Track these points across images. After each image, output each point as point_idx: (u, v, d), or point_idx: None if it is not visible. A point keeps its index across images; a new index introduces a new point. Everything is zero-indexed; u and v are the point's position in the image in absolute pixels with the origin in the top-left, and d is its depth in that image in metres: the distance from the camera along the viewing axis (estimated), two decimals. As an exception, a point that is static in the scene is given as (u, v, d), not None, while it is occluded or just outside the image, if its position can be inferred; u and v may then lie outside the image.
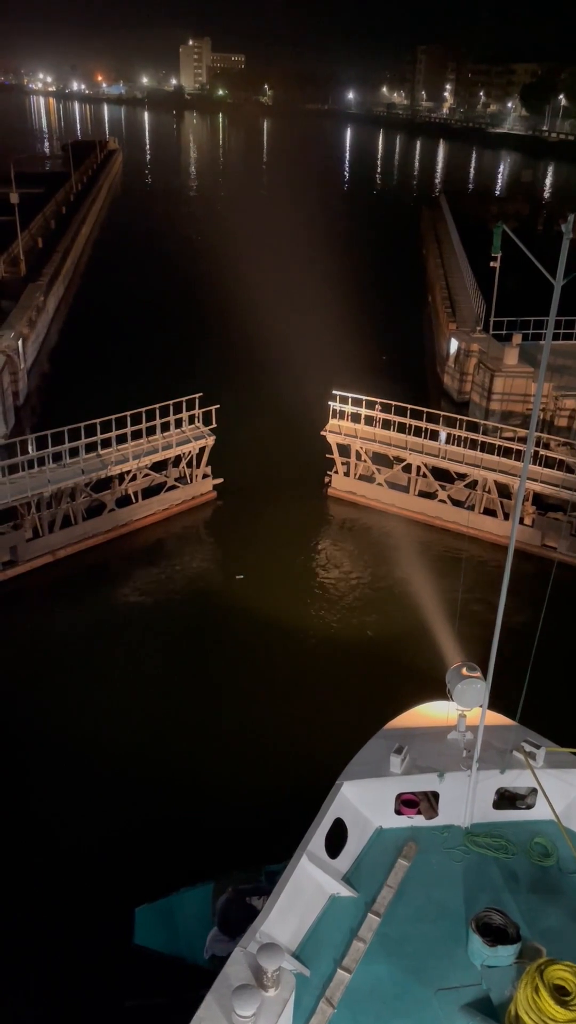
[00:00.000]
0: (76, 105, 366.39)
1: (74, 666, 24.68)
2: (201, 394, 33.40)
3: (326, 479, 34.82)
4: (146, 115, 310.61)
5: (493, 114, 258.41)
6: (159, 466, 32.35)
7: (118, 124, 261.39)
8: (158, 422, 31.87)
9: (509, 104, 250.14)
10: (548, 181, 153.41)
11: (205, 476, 33.64)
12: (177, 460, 32.83)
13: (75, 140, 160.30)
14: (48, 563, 29.11)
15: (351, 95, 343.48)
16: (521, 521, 30.61)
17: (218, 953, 15.56)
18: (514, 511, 13.07)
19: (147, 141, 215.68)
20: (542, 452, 31.14)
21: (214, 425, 33.23)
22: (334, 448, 34.28)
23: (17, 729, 22.18)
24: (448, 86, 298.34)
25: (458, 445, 32.11)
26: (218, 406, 33.44)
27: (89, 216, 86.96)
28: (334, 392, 34.23)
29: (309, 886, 12.40)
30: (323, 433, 34.17)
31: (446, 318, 47.80)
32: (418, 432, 32.68)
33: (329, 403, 34.23)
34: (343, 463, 34.39)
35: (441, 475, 32.62)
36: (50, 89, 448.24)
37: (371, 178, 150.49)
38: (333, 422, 34.17)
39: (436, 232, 76.46)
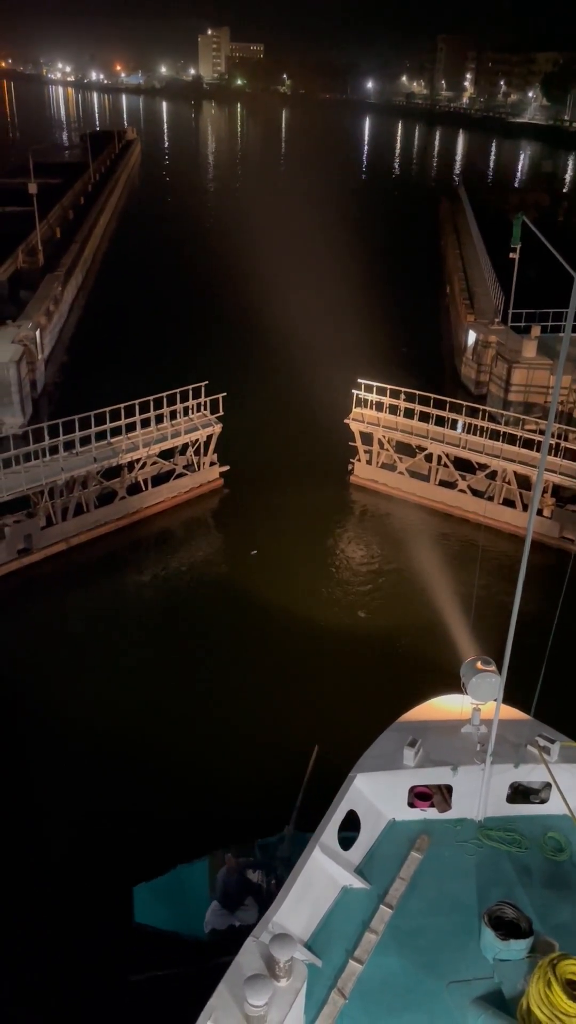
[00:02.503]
0: (95, 95, 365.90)
1: (86, 652, 24.84)
2: (207, 382, 33.57)
3: (349, 467, 35.01)
4: (164, 105, 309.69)
5: (513, 104, 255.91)
6: (167, 455, 32.61)
7: (136, 114, 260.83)
8: (166, 410, 32.10)
9: (530, 94, 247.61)
10: (569, 172, 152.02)
11: (212, 464, 33.90)
12: (184, 448, 33.02)
13: (93, 130, 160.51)
14: (61, 551, 29.28)
15: (370, 84, 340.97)
16: (540, 512, 30.50)
17: (218, 927, 15.96)
18: (532, 502, 12.98)
19: (165, 131, 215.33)
20: (564, 444, 31.02)
21: (221, 413, 33.42)
22: (357, 436, 34.37)
23: (30, 713, 22.36)
24: (468, 75, 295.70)
25: (480, 435, 32.09)
26: (225, 394, 33.65)
27: (107, 206, 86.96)
28: (359, 380, 34.39)
29: (321, 877, 12.41)
30: (347, 421, 34.35)
31: (464, 309, 47.52)
32: (440, 422, 32.74)
33: (353, 391, 34.36)
34: (366, 451, 34.50)
35: (463, 465, 32.65)
36: (69, 79, 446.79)
37: (389, 168, 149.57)
38: (356, 410, 34.31)
39: (455, 222, 75.97)
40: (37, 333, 42.12)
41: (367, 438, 34.46)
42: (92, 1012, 15.52)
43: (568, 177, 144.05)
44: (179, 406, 32.54)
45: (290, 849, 17.16)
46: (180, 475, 32.89)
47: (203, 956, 15.62)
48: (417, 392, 33.70)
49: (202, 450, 33.43)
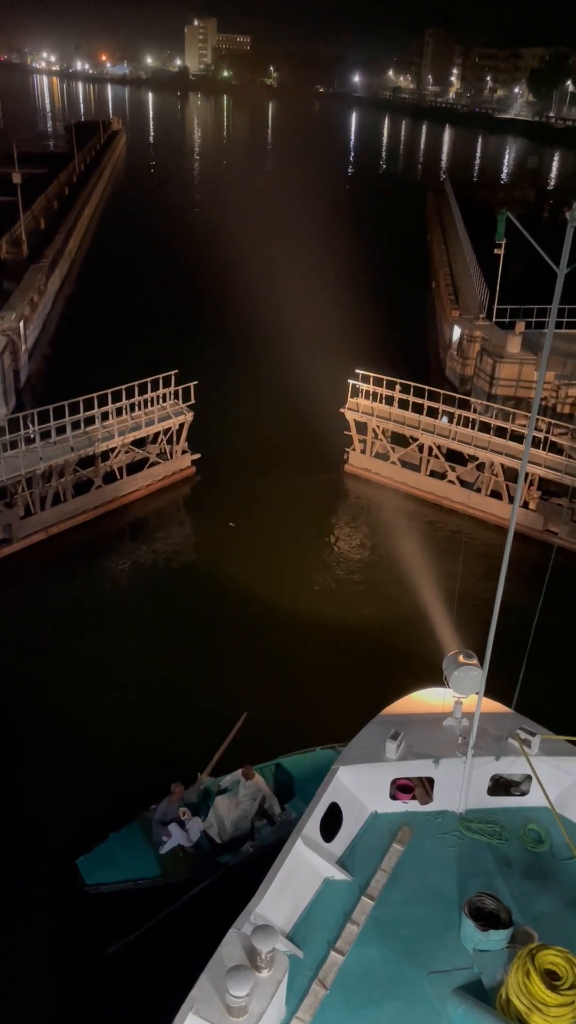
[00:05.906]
0: (80, 85, 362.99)
1: (66, 639, 24.84)
2: (176, 371, 33.74)
3: (344, 455, 35.49)
4: (150, 96, 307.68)
5: (500, 99, 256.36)
6: (140, 443, 32.78)
7: (122, 105, 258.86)
8: (138, 399, 32.31)
9: (516, 89, 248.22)
10: (554, 168, 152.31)
11: (184, 452, 34.15)
12: (156, 437, 33.17)
13: (79, 120, 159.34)
14: (41, 540, 29.30)
15: (357, 78, 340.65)
16: (524, 505, 30.72)
17: (172, 843, 16.94)
18: (516, 495, 13.04)
19: (151, 122, 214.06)
20: (550, 437, 31.26)
21: (192, 401, 33.67)
22: (352, 425, 34.66)
23: (6, 698, 22.34)
24: (455, 70, 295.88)
25: (472, 428, 32.35)
26: (196, 382, 33.90)
27: (92, 197, 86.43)
28: (357, 371, 34.78)
29: (303, 869, 12.44)
30: (343, 411, 34.83)
31: (449, 305, 47.60)
32: (433, 413, 33.17)
33: (349, 381, 34.76)
34: (360, 441, 34.97)
35: (454, 457, 32.95)
36: (54, 68, 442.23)
37: (376, 162, 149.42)
38: (352, 400, 34.54)
39: (441, 218, 76.06)
40: (21, 324, 41.86)
41: (362, 427, 34.78)
42: (71, 982, 15.62)
43: (553, 174, 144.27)
44: (151, 394, 32.75)
45: (200, 795, 18.00)
46: (154, 463, 33.07)
47: (164, 899, 16.11)
48: (412, 384, 33.91)
49: (174, 438, 33.62)
